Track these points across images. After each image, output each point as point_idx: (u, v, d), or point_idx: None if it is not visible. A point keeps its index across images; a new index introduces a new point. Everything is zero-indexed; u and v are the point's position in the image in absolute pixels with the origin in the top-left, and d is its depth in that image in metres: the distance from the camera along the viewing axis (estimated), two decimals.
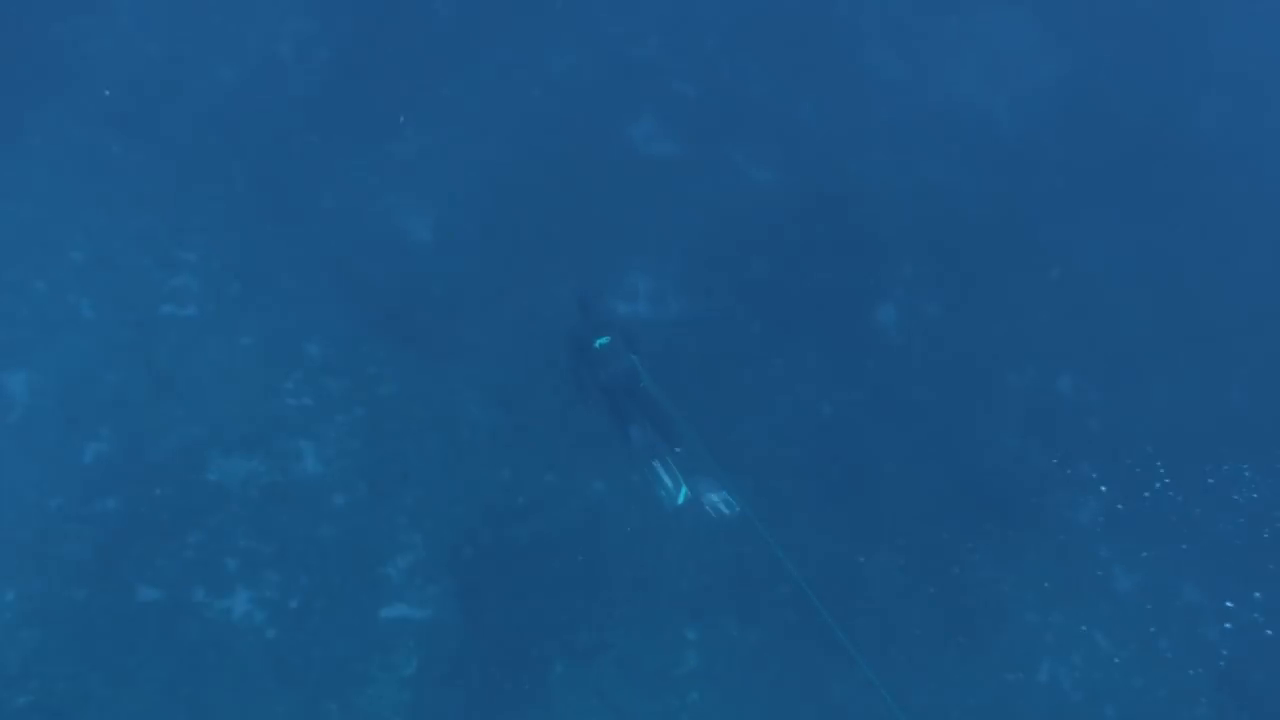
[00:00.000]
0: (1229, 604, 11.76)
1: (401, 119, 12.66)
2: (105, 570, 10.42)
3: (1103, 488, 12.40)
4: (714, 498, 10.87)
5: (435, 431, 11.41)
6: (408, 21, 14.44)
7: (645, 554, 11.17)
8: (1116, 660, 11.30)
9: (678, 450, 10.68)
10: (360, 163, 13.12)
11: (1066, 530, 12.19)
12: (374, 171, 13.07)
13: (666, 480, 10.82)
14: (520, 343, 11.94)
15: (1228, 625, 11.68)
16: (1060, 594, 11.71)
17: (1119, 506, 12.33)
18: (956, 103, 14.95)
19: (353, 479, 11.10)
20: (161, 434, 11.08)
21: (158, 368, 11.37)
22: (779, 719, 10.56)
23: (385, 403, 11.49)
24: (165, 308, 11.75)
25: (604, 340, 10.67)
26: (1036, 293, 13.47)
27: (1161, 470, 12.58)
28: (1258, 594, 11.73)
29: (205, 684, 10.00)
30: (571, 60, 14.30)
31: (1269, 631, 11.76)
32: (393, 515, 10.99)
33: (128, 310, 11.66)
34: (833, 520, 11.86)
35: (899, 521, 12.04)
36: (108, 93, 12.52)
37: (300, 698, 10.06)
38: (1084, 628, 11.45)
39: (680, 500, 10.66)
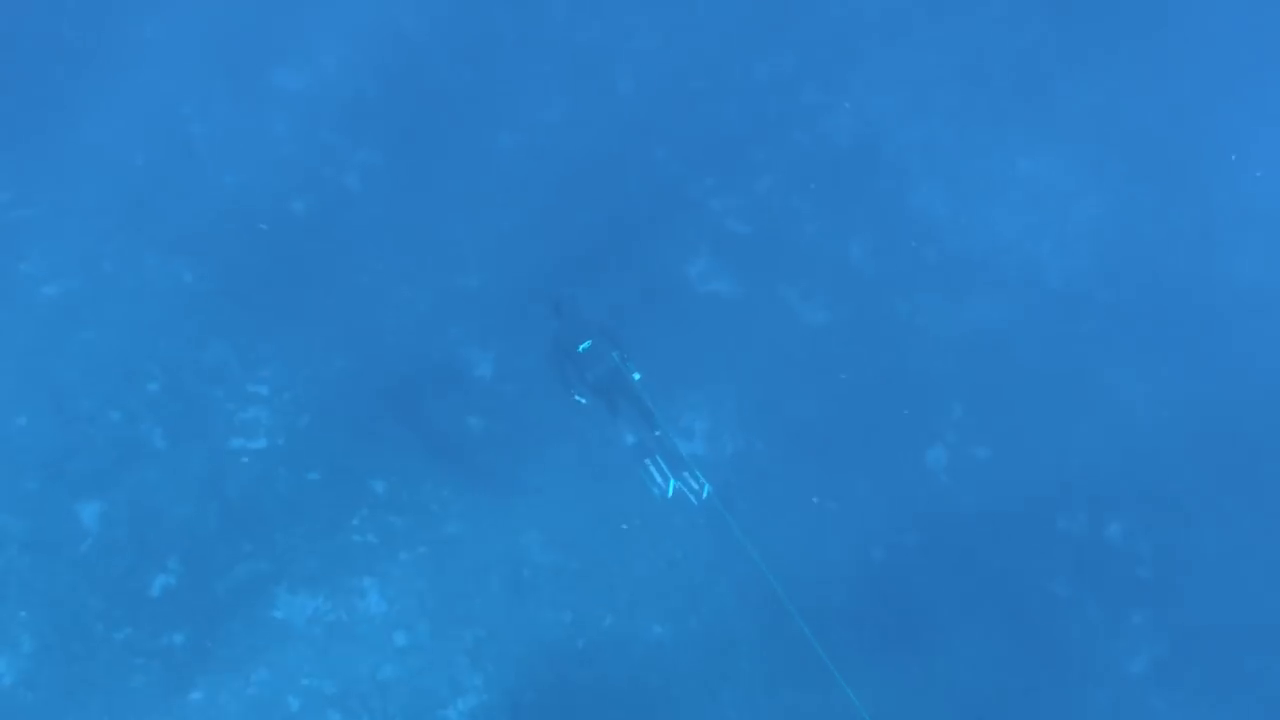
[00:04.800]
0: None
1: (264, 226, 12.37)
2: (169, 706, 10.52)
3: (1154, 638, 12.44)
4: (690, 482, 11.71)
5: (497, 572, 11.57)
6: (468, 154, 14.93)
7: (703, 701, 11.22)
8: None
9: (657, 434, 11.56)
10: (425, 295, 13.49)
11: (1118, 681, 12.21)
12: (438, 305, 13.41)
13: (656, 477, 11.70)
14: (581, 484, 12.13)
15: None
16: None
17: (1171, 658, 12.35)
18: (1001, 245, 15.26)
19: (415, 618, 11.23)
20: (229, 568, 11.26)
21: (227, 501, 11.58)
22: None
23: (448, 542, 11.67)
24: (235, 440, 12.01)
25: (586, 345, 11.37)
26: (1085, 438, 13.62)
27: (1213, 621, 12.62)
28: None
29: None
30: (629, 196, 14.72)
31: None
32: (454, 656, 11.10)
33: (199, 442, 11.93)
34: (883, 666, 11.91)
35: (951, 669, 12.09)
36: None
37: None
38: None
39: (670, 493, 11.64)
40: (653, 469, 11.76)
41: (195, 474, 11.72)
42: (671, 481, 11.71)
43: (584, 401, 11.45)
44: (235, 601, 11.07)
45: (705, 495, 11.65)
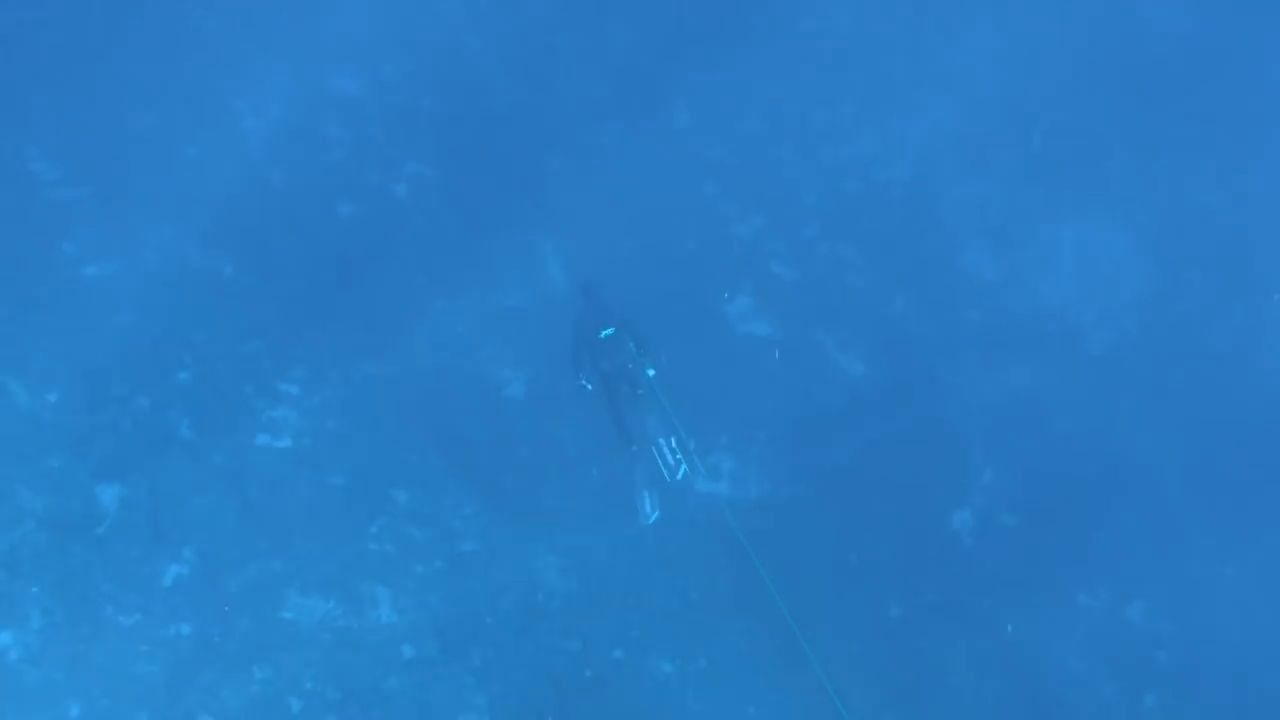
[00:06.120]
0: None
1: None
2: (171, 696, 10.44)
3: None
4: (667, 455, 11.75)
5: (511, 593, 11.44)
6: (517, 174, 14.91)
7: None
8: None
9: (640, 391, 11.67)
10: (463, 311, 13.44)
11: None
12: (475, 322, 13.36)
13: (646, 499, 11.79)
14: (601, 512, 12.01)
15: None
16: None
17: None
18: (1045, 312, 15.10)
19: (425, 632, 11.11)
20: (243, 564, 11.18)
21: (247, 497, 11.52)
22: None
23: (465, 558, 11.56)
24: (262, 437, 11.96)
25: (609, 331, 11.54)
26: (1115, 514, 13.40)
27: (1230, 712, 12.33)
28: None
29: None
30: (675, 231, 14.66)
31: None
32: (460, 674, 10.96)
33: (225, 435, 11.88)
34: None
35: None
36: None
37: None
38: None
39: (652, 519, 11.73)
40: (638, 467, 11.74)
41: (218, 467, 11.67)
42: (650, 495, 11.76)
43: (590, 388, 11.56)
44: (246, 598, 10.99)
45: (680, 475, 11.66)
